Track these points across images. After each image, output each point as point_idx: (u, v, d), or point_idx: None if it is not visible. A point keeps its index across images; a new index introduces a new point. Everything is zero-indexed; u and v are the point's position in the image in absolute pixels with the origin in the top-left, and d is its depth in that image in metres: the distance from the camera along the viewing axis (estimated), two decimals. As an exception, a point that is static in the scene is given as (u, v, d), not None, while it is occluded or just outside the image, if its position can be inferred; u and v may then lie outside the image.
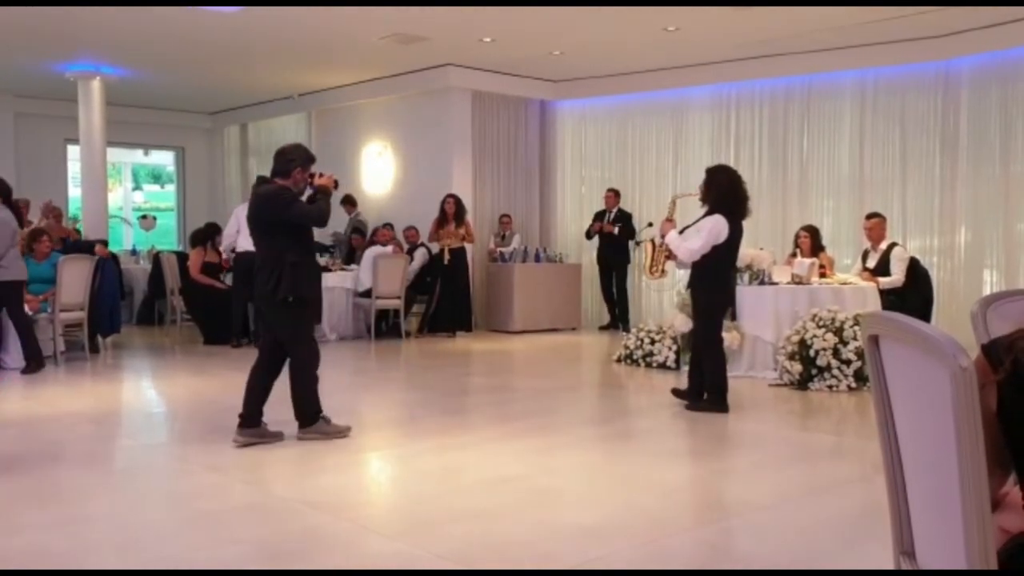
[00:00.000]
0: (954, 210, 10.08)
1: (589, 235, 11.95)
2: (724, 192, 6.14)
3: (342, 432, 5.33)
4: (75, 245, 9.69)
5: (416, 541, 3.56)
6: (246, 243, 9.93)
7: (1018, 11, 8.82)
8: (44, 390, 7.39)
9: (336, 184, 5.41)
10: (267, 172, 5.38)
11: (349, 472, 4.80)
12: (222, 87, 13.31)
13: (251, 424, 5.20)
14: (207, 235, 10.64)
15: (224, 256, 10.55)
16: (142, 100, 13.92)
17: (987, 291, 9.40)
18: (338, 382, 8.48)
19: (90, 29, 9.77)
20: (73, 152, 13.96)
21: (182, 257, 11.33)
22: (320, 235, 9.53)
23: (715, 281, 6.23)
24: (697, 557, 3.49)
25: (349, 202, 12.51)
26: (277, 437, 5.25)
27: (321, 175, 5.34)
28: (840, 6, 8.53)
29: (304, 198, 5.31)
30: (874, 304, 7.88)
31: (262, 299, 5.22)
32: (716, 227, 6.07)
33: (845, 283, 8.08)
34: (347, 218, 12.37)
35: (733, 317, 7.79)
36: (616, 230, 11.60)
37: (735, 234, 6.14)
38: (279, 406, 5.32)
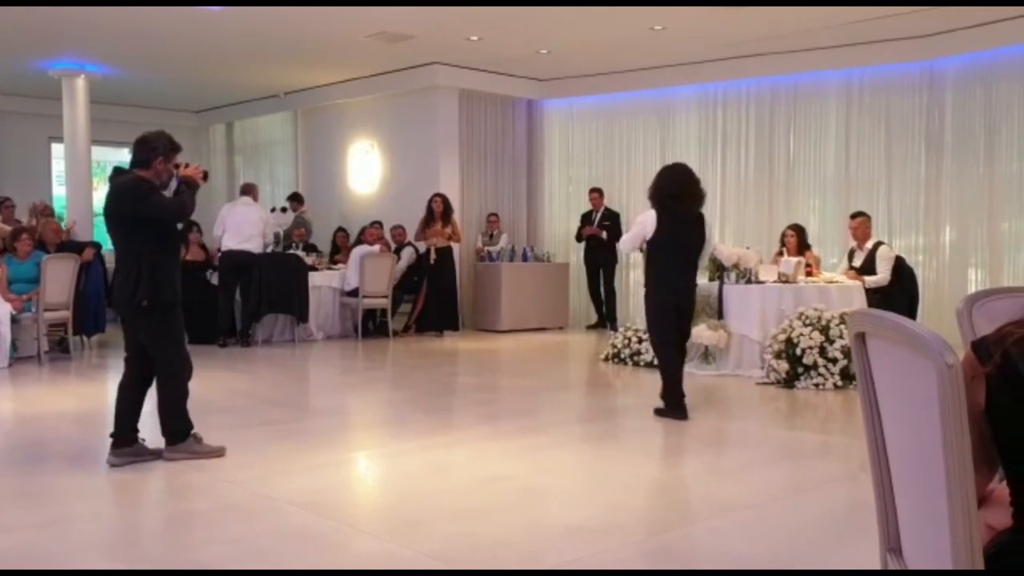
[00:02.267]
0: (939, 209, 10.13)
1: (579, 238, 11.97)
2: (655, 188, 6.06)
3: (215, 452, 4.83)
4: (67, 245, 9.60)
5: (403, 540, 3.55)
6: (231, 242, 9.92)
7: (1002, 11, 8.87)
8: (28, 390, 7.34)
9: (205, 176, 4.94)
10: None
11: (336, 472, 4.78)
12: (208, 86, 13.24)
13: (125, 443, 4.77)
14: (182, 234, 10.62)
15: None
16: (127, 98, 13.83)
17: (972, 289, 9.45)
18: (325, 381, 8.48)
19: (74, 27, 9.69)
20: (57, 150, 13.84)
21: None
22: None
23: (655, 279, 6.05)
24: (684, 556, 3.50)
25: (296, 200, 12.49)
26: (155, 455, 4.83)
27: (187, 165, 4.90)
28: (826, 6, 8.56)
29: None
30: (860, 303, 7.91)
31: (120, 303, 4.75)
32: (643, 219, 6.09)
33: (831, 282, 8.11)
34: (293, 216, 12.36)
35: (720, 316, 7.82)
36: (604, 234, 11.62)
37: (668, 230, 5.91)
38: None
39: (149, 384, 4.86)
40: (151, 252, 4.66)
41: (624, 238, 6.37)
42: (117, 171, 4.94)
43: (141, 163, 4.75)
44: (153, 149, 4.75)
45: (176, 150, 4.85)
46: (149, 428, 4.91)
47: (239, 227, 9.94)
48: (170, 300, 4.73)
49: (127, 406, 4.81)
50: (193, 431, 4.86)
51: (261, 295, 9.91)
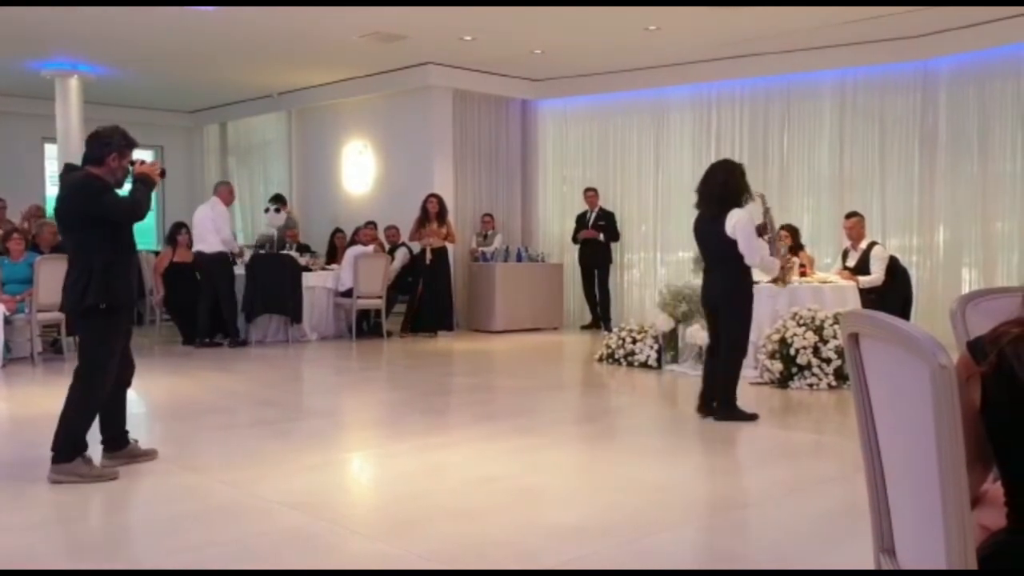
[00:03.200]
0: (933, 209, 10.15)
1: (576, 240, 11.97)
2: None
3: (105, 476, 4.43)
4: (61, 247, 9.56)
5: (398, 541, 3.54)
6: (201, 244, 9.92)
7: (996, 11, 8.89)
8: (21, 390, 7.32)
9: (163, 173, 4.71)
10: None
11: (330, 472, 4.77)
12: (201, 86, 13.22)
13: (116, 447, 4.71)
14: (170, 235, 10.68)
15: None
16: (120, 98, 13.78)
17: (966, 290, 9.47)
18: (320, 382, 8.47)
19: (67, 27, 9.66)
20: (50, 151, 13.81)
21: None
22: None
23: None
24: (679, 556, 3.50)
25: (280, 201, 12.45)
26: (149, 456, 4.79)
27: (143, 162, 4.66)
28: (820, 6, 8.57)
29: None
30: (854, 303, 7.92)
31: (70, 303, 4.48)
32: None
33: (825, 282, 8.11)
34: (285, 216, 12.30)
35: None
36: (601, 236, 11.64)
37: (695, 229, 6.04)
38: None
39: (126, 384, 4.77)
40: (104, 252, 4.43)
41: None
42: (68, 168, 4.65)
43: (94, 160, 4.51)
44: (107, 145, 4.51)
45: (131, 146, 4.62)
46: (143, 429, 4.89)
47: (195, 229, 10.05)
48: (122, 303, 4.53)
49: (107, 409, 4.64)
50: (85, 452, 4.49)
51: (255, 295, 9.89)
